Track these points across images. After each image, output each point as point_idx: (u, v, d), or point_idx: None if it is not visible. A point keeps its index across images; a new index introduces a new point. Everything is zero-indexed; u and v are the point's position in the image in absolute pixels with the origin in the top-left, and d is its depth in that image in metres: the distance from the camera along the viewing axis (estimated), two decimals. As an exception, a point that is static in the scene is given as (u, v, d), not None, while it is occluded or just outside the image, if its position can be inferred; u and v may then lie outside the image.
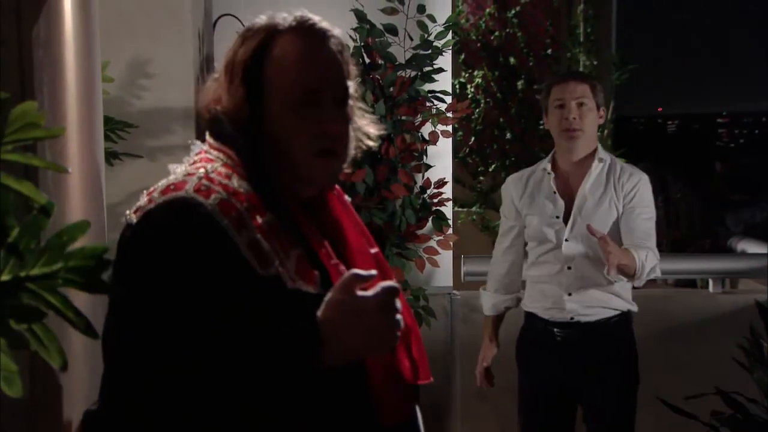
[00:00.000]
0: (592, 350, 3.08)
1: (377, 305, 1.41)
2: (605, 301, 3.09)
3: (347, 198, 1.69)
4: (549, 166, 3.19)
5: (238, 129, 1.54)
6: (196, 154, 1.60)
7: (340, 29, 1.63)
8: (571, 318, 3.09)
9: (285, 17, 1.57)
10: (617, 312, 3.10)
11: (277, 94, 1.53)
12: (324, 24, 1.59)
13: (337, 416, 1.49)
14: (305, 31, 1.56)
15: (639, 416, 3.15)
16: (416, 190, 3.72)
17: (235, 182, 1.51)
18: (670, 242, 7.85)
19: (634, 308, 3.13)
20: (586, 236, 2.97)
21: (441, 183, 3.70)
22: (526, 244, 3.24)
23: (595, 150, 3.14)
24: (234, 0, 3.69)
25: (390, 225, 3.59)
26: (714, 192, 9.81)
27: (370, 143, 1.67)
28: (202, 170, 1.51)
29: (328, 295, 1.42)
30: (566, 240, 3.07)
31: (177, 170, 1.55)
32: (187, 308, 1.40)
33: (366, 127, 1.66)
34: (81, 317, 1.26)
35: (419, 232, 3.67)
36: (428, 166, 3.77)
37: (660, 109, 15.34)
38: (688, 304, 4.23)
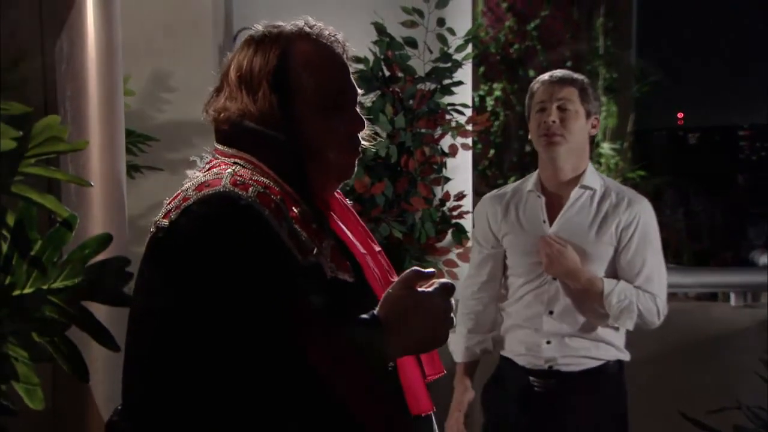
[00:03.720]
0: (576, 405, 2.64)
1: (437, 302, 1.43)
2: (591, 350, 2.66)
3: (348, 201, 1.71)
4: (537, 188, 2.73)
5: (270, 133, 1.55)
6: (207, 163, 1.60)
7: (356, 40, 1.66)
8: (550, 367, 2.65)
9: (294, 24, 1.59)
10: (605, 361, 2.67)
11: (308, 99, 1.55)
12: (331, 28, 1.62)
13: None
14: (319, 36, 1.59)
15: (659, 431, 3.12)
16: (436, 202, 3.72)
17: (263, 179, 1.51)
18: (691, 255, 7.81)
19: (626, 357, 2.71)
20: None
21: (460, 196, 3.70)
22: (504, 274, 2.79)
23: (584, 172, 2.68)
24: (254, 14, 3.70)
25: (409, 237, 3.59)
26: (736, 205, 9.74)
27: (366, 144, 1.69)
28: (230, 170, 1.51)
29: (388, 291, 1.43)
30: (554, 279, 2.64)
31: (196, 175, 1.55)
32: (245, 303, 1.36)
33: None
34: (102, 329, 1.26)
35: (439, 244, 3.66)
36: (447, 179, 3.77)
37: (681, 122, 15.26)
38: (710, 318, 4.19)
